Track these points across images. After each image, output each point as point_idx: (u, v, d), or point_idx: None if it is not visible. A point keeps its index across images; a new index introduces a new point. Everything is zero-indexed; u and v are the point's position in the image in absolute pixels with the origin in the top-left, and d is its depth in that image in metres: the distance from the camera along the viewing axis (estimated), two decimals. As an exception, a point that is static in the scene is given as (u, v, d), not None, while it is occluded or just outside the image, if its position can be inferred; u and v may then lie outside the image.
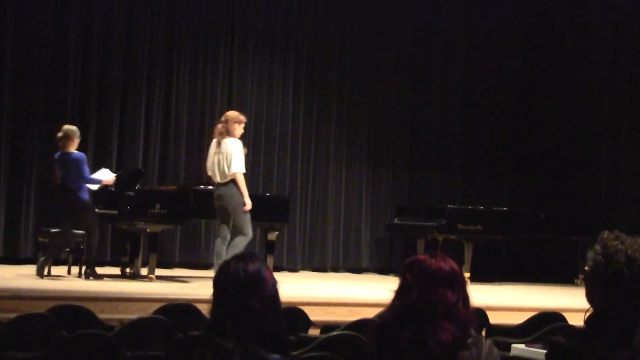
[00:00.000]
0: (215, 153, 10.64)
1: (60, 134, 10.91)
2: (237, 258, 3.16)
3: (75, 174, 10.78)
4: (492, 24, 15.80)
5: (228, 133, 10.54)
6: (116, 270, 11.89)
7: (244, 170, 10.55)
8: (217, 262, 10.26)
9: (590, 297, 3.27)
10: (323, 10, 14.95)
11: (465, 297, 2.97)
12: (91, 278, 10.77)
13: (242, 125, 10.72)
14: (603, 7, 15.06)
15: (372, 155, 15.08)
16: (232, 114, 10.81)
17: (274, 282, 3.15)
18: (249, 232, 10.56)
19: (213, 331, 3.07)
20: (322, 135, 14.82)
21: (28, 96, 12.98)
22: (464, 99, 15.71)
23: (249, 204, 10.45)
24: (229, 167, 10.46)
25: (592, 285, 3.25)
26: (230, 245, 10.44)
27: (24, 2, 13.04)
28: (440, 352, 2.86)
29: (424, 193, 15.34)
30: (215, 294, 3.13)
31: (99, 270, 11.41)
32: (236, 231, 10.53)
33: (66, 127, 11.05)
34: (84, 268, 10.94)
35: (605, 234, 3.27)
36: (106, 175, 11.32)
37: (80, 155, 10.92)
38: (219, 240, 10.65)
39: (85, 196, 10.84)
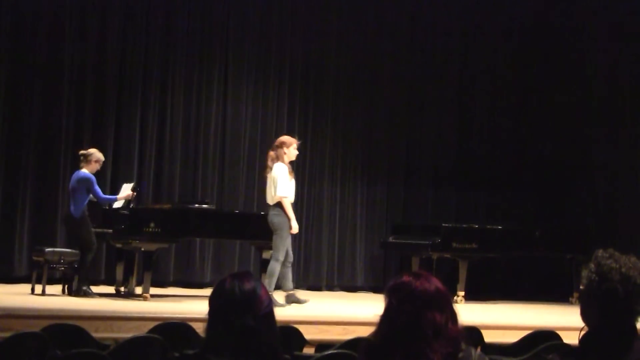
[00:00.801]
0: (268, 178, 11.04)
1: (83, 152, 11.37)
2: (233, 276, 3.17)
3: (76, 191, 11.06)
4: (486, 39, 15.83)
5: (277, 158, 10.92)
6: (110, 289, 11.87)
7: (288, 195, 10.88)
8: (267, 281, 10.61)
9: (584, 315, 3.27)
10: (317, 28, 14.98)
11: (454, 315, 2.94)
12: (82, 295, 10.83)
13: (292, 147, 10.99)
14: (600, 15, 15.08)
15: (366, 172, 15.09)
16: (281, 139, 11.16)
17: (270, 301, 3.16)
18: (280, 256, 10.82)
19: (208, 350, 3.06)
20: (316, 153, 14.83)
21: (22, 116, 12.98)
22: (459, 116, 15.74)
23: (294, 228, 10.86)
24: (275, 191, 10.83)
25: (586, 304, 3.26)
26: (267, 274, 10.84)
27: (18, 23, 13.04)
28: None
29: (419, 210, 15.33)
30: (210, 311, 3.13)
31: (94, 289, 11.41)
32: (271, 254, 10.92)
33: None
34: (74, 285, 10.99)
35: (600, 252, 3.27)
36: (124, 191, 11.64)
37: (86, 174, 11.15)
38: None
39: (77, 213, 10.97)
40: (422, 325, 2.87)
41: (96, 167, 11.34)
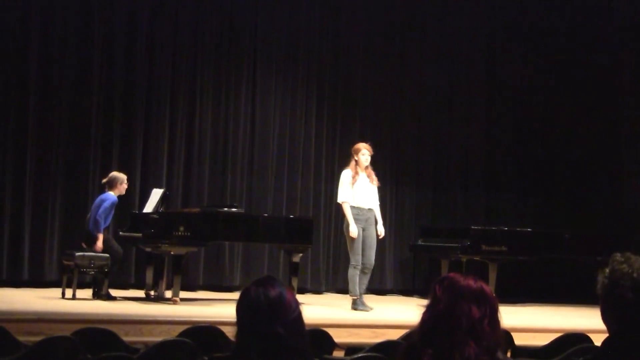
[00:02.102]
0: None
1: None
2: (258, 283, 3.14)
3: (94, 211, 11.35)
4: (514, 42, 15.79)
5: (349, 165, 11.28)
6: (140, 293, 11.92)
7: (345, 200, 11.14)
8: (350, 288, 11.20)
9: (604, 320, 3.25)
10: (345, 31, 14.99)
11: (493, 318, 2.95)
12: (104, 299, 10.97)
13: (361, 152, 11.22)
14: (629, 16, 15.01)
15: (395, 175, 15.07)
16: (354, 147, 11.41)
17: (297, 304, 3.14)
18: (354, 260, 11.11)
19: (238, 355, 3.06)
20: (345, 157, 14.78)
21: (52, 122, 13.03)
22: (488, 118, 15.70)
23: (352, 232, 11.02)
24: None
25: (602, 309, 3.24)
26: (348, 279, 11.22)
27: (48, 32, 13.11)
28: None
29: (448, 213, 15.31)
30: (238, 321, 3.12)
31: (124, 293, 11.50)
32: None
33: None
34: (102, 290, 11.13)
35: (617, 256, 3.24)
36: (154, 196, 11.97)
37: (108, 195, 11.41)
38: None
39: (99, 231, 11.28)
40: (458, 315, 2.89)
41: (123, 187, 11.66)
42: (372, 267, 11.21)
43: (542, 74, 15.89)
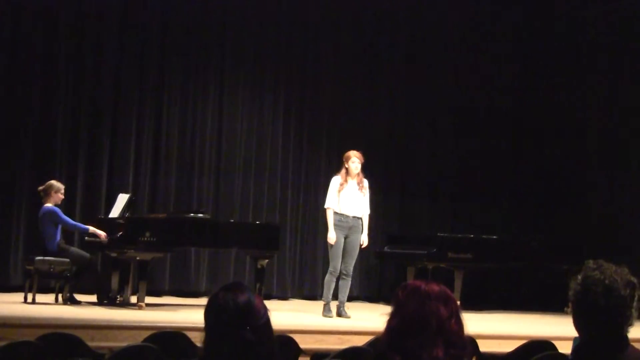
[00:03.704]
0: None
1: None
2: (226, 289, 3.15)
3: (45, 227, 11.30)
4: (483, 50, 15.87)
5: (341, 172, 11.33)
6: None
7: (329, 206, 11.22)
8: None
9: (575, 326, 3.27)
10: (314, 36, 15.00)
11: (458, 317, 2.98)
12: (69, 303, 10.95)
13: (350, 160, 11.25)
14: (599, 26, 15.13)
15: (362, 183, 15.08)
16: (345, 154, 11.42)
17: (265, 309, 3.14)
18: (331, 266, 11.21)
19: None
20: (312, 163, 14.84)
21: (17, 126, 12.96)
22: (456, 126, 15.75)
23: (329, 238, 11.15)
24: None
25: (574, 315, 3.26)
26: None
27: (15, 29, 13.04)
28: None
29: (415, 221, 15.33)
30: (207, 327, 3.11)
31: (89, 298, 11.45)
32: None
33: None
34: (64, 294, 11.12)
35: (590, 263, 3.27)
36: (120, 201, 11.88)
37: (47, 209, 11.34)
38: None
39: (53, 247, 11.25)
40: (426, 315, 2.92)
41: (58, 197, 11.52)
42: (350, 274, 11.23)
43: (510, 82, 15.98)
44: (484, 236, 13.36)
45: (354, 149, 11.55)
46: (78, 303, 11.09)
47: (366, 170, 13.90)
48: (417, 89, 15.56)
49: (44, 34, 13.20)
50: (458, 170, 15.69)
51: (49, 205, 11.36)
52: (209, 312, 3.12)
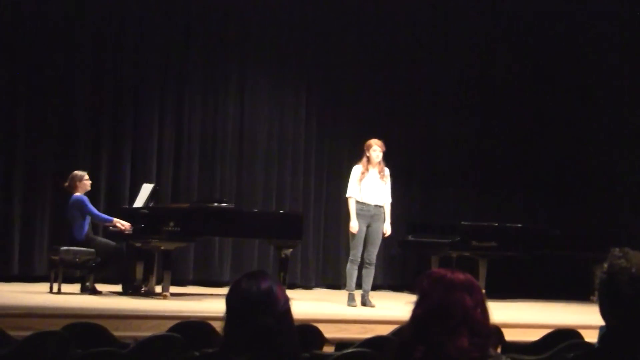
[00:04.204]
0: None
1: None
2: (249, 276, 3.15)
3: (73, 216, 11.36)
4: (507, 39, 15.80)
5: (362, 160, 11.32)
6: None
7: (351, 195, 11.20)
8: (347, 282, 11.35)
9: (602, 314, 3.25)
10: (336, 25, 14.95)
11: (484, 307, 2.96)
12: (88, 293, 11.01)
13: (372, 149, 11.24)
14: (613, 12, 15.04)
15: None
16: (366, 143, 11.39)
17: (286, 298, 3.14)
18: (352, 255, 11.20)
19: (228, 349, 3.05)
20: (335, 151, 14.81)
21: (41, 118, 13.01)
22: (479, 114, 15.69)
23: (351, 227, 11.11)
24: None
25: (600, 304, 3.24)
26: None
27: (36, 28, 13.06)
28: (458, 358, 2.85)
29: (438, 209, 15.29)
30: (228, 312, 3.12)
31: (114, 288, 11.51)
32: None
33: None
34: (88, 284, 11.16)
35: (616, 251, 3.25)
36: (144, 191, 11.93)
37: (76, 198, 11.39)
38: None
39: (80, 237, 11.30)
40: (451, 305, 2.90)
41: (85, 184, 11.55)
42: (373, 263, 11.19)
43: (534, 72, 15.89)
44: (508, 224, 13.31)
45: (375, 137, 11.53)
46: (98, 293, 11.12)
47: (389, 159, 13.90)
48: (439, 76, 15.51)
49: (65, 25, 13.22)
50: (481, 158, 15.63)
51: (78, 194, 11.41)
52: (231, 297, 3.12)
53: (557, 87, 15.81)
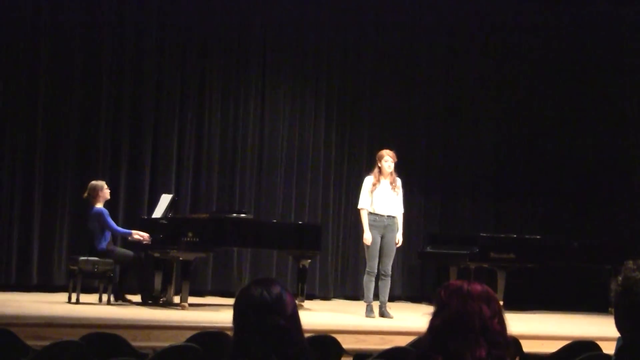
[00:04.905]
0: None
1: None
2: (257, 283, 3.17)
3: (94, 228, 11.44)
4: (525, 46, 15.76)
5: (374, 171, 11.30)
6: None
7: (363, 206, 11.18)
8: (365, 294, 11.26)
9: (617, 327, 3.24)
10: (354, 36, 14.96)
11: (501, 318, 2.96)
12: (115, 303, 11.13)
13: (383, 159, 11.21)
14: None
15: (403, 182, 15.00)
16: (378, 153, 11.39)
17: (294, 304, 3.16)
18: (368, 267, 11.15)
19: (238, 353, 3.06)
20: (354, 162, 14.82)
21: (60, 127, 13.07)
22: (497, 125, 15.67)
23: (365, 239, 11.08)
24: None
25: (616, 316, 3.23)
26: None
27: (55, 36, 13.14)
28: None
29: (456, 221, 15.28)
30: (237, 317, 3.12)
31: (132, 298, 11.55)
32: None
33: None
34: (109, 294, 11.19)
35: (630, 264, 3.23)
36: (163, 202, 11.98)
37: (96, 210, 11.47)
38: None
39: (101, 246, 11.37)
40: (469, 315, 2.90)
41: (105, 194, 11.64)
42: (388, 274, 11.16)
43: (553, 81, 15.85)
44: (527, 236, 13.29)
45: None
46: (128, 301, 11.21)
47: (408, 170, 13.91)
48: (457, 88, 15.50)
49: (85, 36, 13.28)
50: (500, 169, 15.61)
51: (99, 206, 11.48)
52: (240, 302, 3.14)
53: (578, 97, 15.75)
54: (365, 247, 11.13)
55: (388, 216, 11.12)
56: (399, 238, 11.15)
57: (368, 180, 11.24)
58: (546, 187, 15.66)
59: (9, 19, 12.93)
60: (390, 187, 11.18)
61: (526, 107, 15.77)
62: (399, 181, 11.30)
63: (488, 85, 15.67)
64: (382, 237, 11.08)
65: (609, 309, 12.70)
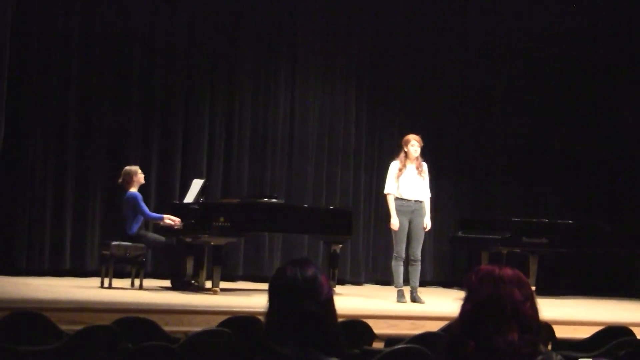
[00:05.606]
0: None
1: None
2: (293, 263, 3.15)
3: (128, 212, 11.47)
4: (556, 34, 15.66)
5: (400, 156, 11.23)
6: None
7: (389, 191, 11.15)
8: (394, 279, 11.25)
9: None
10: (385, 20, 14.91)
11: (533, 302, 2.94)
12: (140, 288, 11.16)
13: (410, 144, 11.16)
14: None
15: (435, 167, 14.96)
16: (404, 138, 11.31)
17: (329, 287, 3.14)
18: (395, 251, 11.13)
19: (270, 337, 3.05)
20: (385, 147, 14.77)
21: (93, 114, 13.11)
22: (528, 109, 15.58)
23: (392, 224, 11.05)
24: None
25: None
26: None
27: (88, 17, 13.17)
28: (508, 353, 2.83)
29: (488, 205, 15.22)
30: (271, 298, 3.11)
31: (164, 283, 11.58)
32: None
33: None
34: (143, 280, 11.23)
35: None
36: (194, 187, 11.97)
37: (130, 195, 11.48)
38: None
39: (131, 231, 11.41)
40: (500, 299, 2.88)
41: (139, 179, 11.66)
42: (418, 259, 11.12)
43: (588, 62, 15.74)
44: (559, 221, 13.20)
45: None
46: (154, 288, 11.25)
47: (438, 155, 13.87)
48: (488, 71, 15.41)
49: (117, 22, 13.29)
50: (531, 154, 15.53)
51: (133, 190, 11.51)
52: (275, 284, 3.12)
53: (610, 82, 15.63)
54: (393, 232, 11.10)
55: (415, 201, 11.08)
56: (427, 222, 11.11)
57: (394, 166, 11.19)
58: (579, 171, 15.56)
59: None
60: (416, 171, 11.13)
61: (560, 90, 15.67)
62: (425, 165, 11.24)
63: (521, 68, 15.58)
64: (409, 222, 11.04)
65: (643, 294, 12.66)
